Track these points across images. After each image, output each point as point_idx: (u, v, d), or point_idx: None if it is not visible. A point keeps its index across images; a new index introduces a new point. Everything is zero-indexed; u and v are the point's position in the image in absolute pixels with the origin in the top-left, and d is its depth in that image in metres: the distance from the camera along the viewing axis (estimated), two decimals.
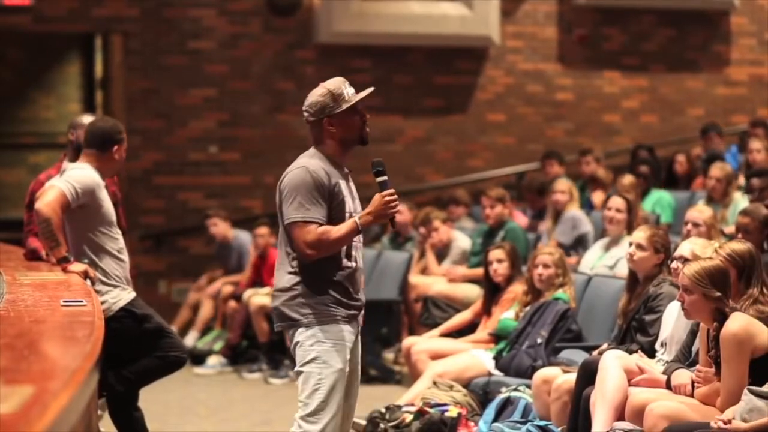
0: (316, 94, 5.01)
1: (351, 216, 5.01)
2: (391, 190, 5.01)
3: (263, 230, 10.74)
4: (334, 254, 4.97)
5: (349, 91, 5.03)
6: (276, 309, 5.03)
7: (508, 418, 6.81)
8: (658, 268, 6.62)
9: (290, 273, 4.97)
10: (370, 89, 5.09)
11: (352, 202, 5.08)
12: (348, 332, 4.99)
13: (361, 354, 5.21)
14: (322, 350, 4.91)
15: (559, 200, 9.87)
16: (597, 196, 10.87)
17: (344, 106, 4.99)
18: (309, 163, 4.98)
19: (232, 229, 11.40)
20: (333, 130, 5.01)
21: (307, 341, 4.93)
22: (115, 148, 6.05)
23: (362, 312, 5.13)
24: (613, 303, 7.14)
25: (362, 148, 5.24)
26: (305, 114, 5.03)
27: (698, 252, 6.03)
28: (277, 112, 12.50)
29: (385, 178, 5.05)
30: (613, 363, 5.82)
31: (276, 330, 5.21)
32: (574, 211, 9.84)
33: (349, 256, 5.03)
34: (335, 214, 4.97)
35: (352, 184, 5.15)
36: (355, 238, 5.03)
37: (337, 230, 4.93)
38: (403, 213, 10.99)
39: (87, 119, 6.53)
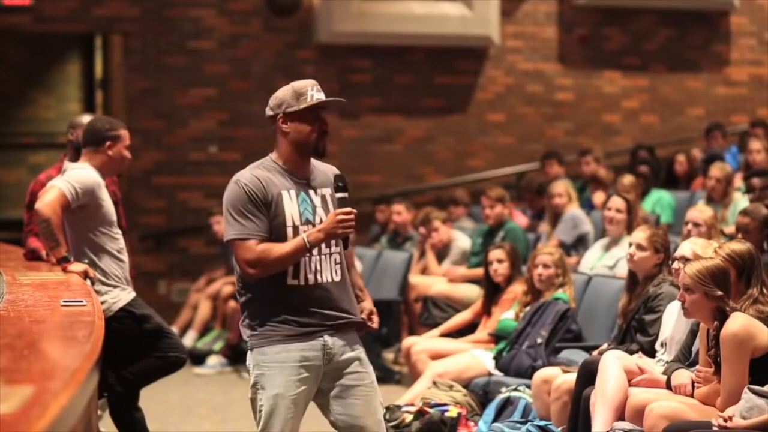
0: (279, 90, 4.71)
1: (296, 231, 4.60)
2: (347, 209, 4.61)
3: None
4: (276, 273, 4.59)
5: (314, 94, 4.65)
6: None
7: (508, 418, 6.81)
8: (658, 268, 6.62)
9: (239, 292, 4.72)
10: (340, 99, 4.84)
11: (299, 216, 4.63)
12: (295, 351, 4.60)
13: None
14: (259, 375, 4.67)
15: (557, 203, 9.86)
16: (598, 197, 10.86)
17: (302, 106, 4.62)
18: (243, 174, 4.65)
19: None
20: (286, 129, 4.64)
21: (250, 365, 4.72)
22: (108, 144, 6.03)
23: (334, 325, 4.65)
24: (613, 303, 7.14)
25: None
26: (266, 109, 4.73)
27: (699, 252, 6.03)
28: None
29: (344, 195, 4.66)
30: (613, 364, 5.83)
31: None
32: (574, 210, 9.84)
33: (296, 274, 4.60)
34: (273, 230, 4.60)
35: (317, 192, 4.70)
36: (316, 253, 4.61)
37: (281, 248, 4.56)
38: (402, 213, 11.01)
39: (87, 119, 6.52)
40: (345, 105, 5.01)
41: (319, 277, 4.64)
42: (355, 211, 4.65)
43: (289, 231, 4.61)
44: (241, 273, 4.64)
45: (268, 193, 4.60)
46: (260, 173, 4.64)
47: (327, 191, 4.72)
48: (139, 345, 6.04)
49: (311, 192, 4.70)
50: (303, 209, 4.65)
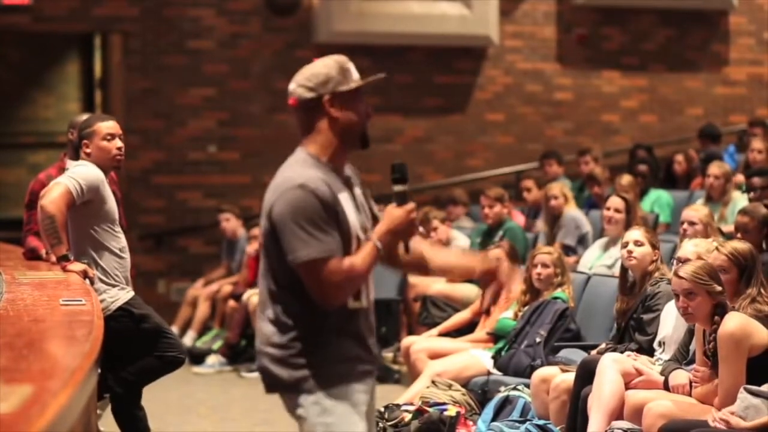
0: (317, 65, 3.81)
1: (358, 243, 3.69)
2: (414, 205, 3.76)
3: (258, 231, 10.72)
4: None
5: (355, 71, 3.85)
6: (264, 369, 3.73)
7: (507, 418, 6.82)
8: (655, 265, 6.64)
9: (285, 324, 3.68)
10: (380, 75, 3.90)
11: (356, 219, 3.74)
12: (363, 393, 3.73)
13: None
14: (329, 423, 3.66)
15: (553, 205, 9.84)
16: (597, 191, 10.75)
17: (353, 85, 3.78)
18: (304, 176, 3.63)
19: (243, 228, 11.43)
20: (335, 113, 3.73)
21: (310, 412, 3.68)
22: (84, 142, 6.03)
23: (376, 364, 3.83)
24: (611, 302, 7.15)
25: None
26: (299, 90, 3.79)
27: (703, 254, 6.01)
28: (276, 112, 12.51)
29: (405, 187, 3.77)
30: (610, 367, 5.84)
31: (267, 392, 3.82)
32: (574, 211, 9.82)
33: (357, 294, 3.73)
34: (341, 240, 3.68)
35: (357, 190, 3.82)
36: None
37: (362, 260, 3.64)
38: None
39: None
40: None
41: (370, 297, 3.81)
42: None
43: (354, 243, 3.69)
44: (318, 301, 3.64)
45: (335, 198, 3.66)
46: (318, 174, 3.67)
47: (358, 190, 3.84)
48: (137, 344, 6.03)
49: (355, 192, 3.82)
50: (358, 211, 3.77)
